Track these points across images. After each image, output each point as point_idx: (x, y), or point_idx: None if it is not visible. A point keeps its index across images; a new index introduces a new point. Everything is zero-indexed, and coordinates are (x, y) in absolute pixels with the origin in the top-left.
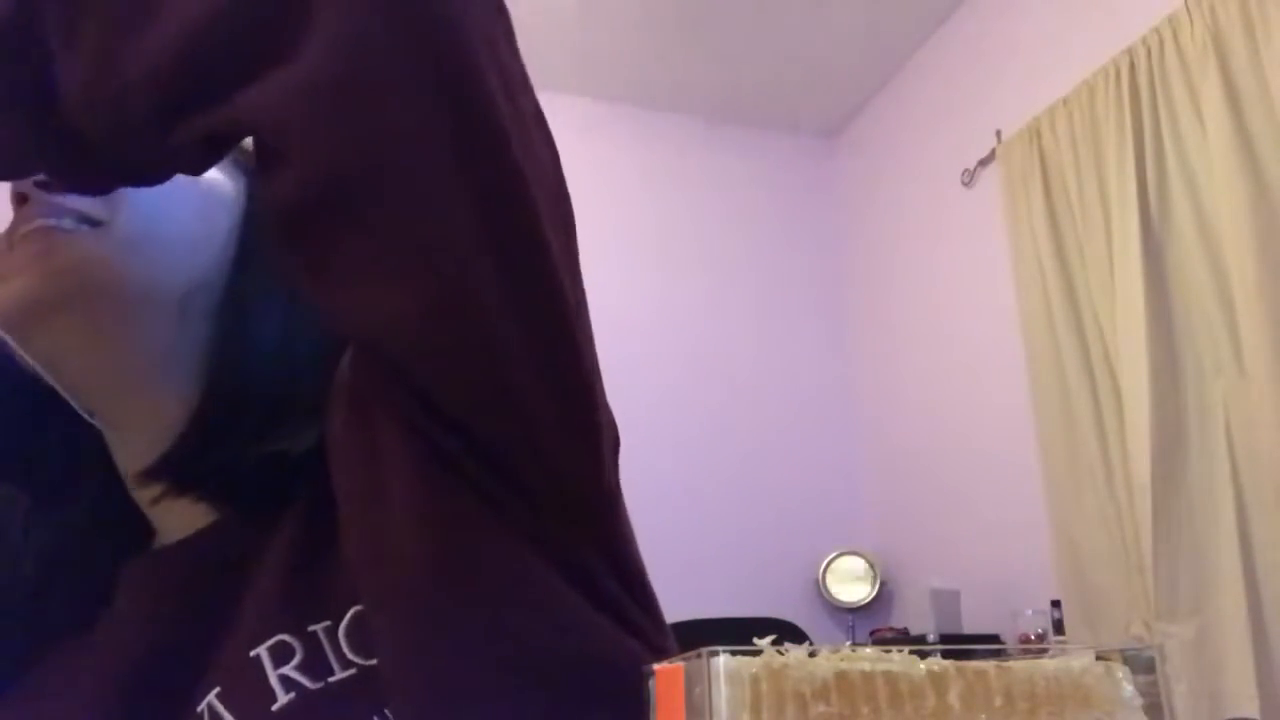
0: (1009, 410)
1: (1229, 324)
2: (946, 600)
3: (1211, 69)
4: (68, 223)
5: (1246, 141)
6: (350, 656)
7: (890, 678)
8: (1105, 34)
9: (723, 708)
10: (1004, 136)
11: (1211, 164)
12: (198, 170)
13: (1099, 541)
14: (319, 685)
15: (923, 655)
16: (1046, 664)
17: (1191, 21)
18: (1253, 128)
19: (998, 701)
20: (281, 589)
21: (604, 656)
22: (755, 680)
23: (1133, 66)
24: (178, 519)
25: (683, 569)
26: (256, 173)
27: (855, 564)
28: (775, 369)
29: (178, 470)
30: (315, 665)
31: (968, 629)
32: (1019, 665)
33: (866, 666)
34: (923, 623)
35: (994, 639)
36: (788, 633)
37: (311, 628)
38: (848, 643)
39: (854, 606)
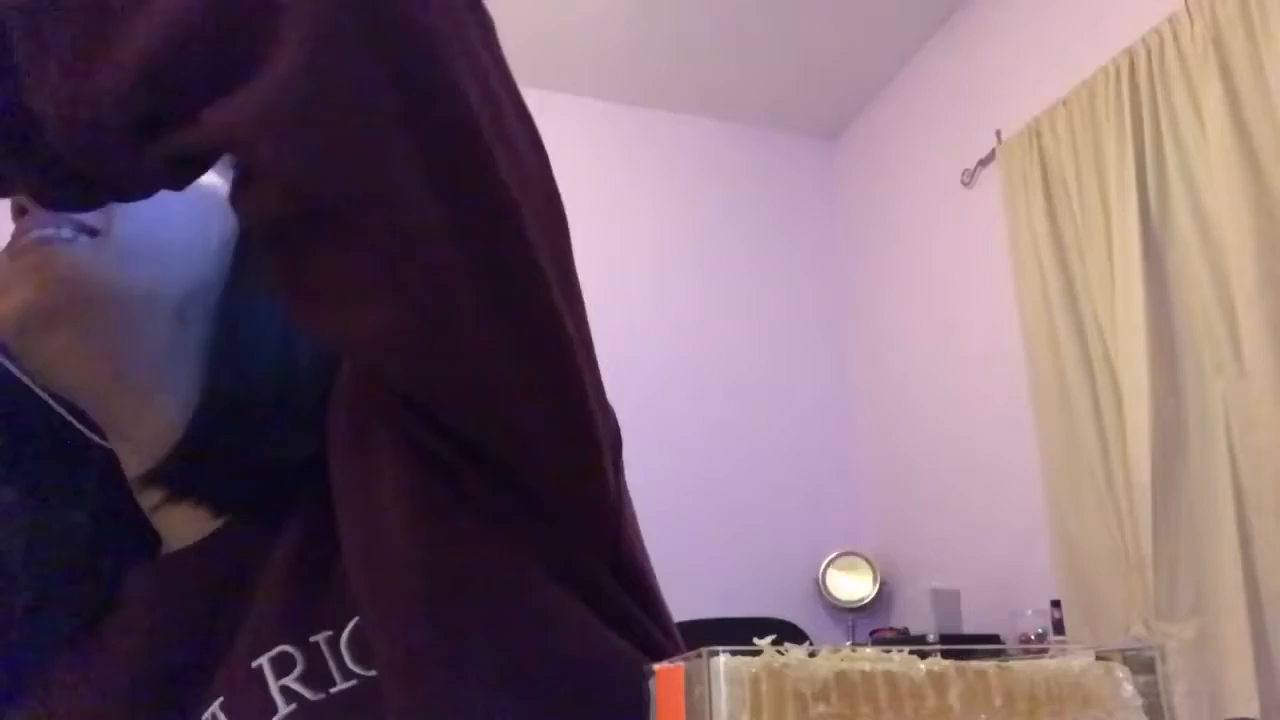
0: (1009, 410)
1: (1229, 324)
2: (946, 600)
3: (1211, 69)
4: (66, 232)
5: (1246, 141)
6: (352, 667)
7: (890, 678)
8: (1105, 34)
9: (723, 708)
10: (1004, 137)
11: (1211, 164)
12: (179, 186)
13: (1099, 542)
14: (320, 697)
15: (923, 655)
16: (1046, 664)
17: (1191, 22)
18: (1253, 128)
19: (998, 702)
20: (283, 598)
21: (605, 666)
22: (755, 680)
23: (1133, 67)
24: (181, 526)
25: (683, 569)
26: (232, 187)
27: (855, 564)
28: (776, 368)
29: (176, 476)
30: (317, 676)
31: (968, 629)
32: (1019, 665)
33: (866, 666)
34: (923, 623)
35: (994, 639)
36: (788, 633)
37: (313, 638)
38: (848, 643)
39: (854, 606)
